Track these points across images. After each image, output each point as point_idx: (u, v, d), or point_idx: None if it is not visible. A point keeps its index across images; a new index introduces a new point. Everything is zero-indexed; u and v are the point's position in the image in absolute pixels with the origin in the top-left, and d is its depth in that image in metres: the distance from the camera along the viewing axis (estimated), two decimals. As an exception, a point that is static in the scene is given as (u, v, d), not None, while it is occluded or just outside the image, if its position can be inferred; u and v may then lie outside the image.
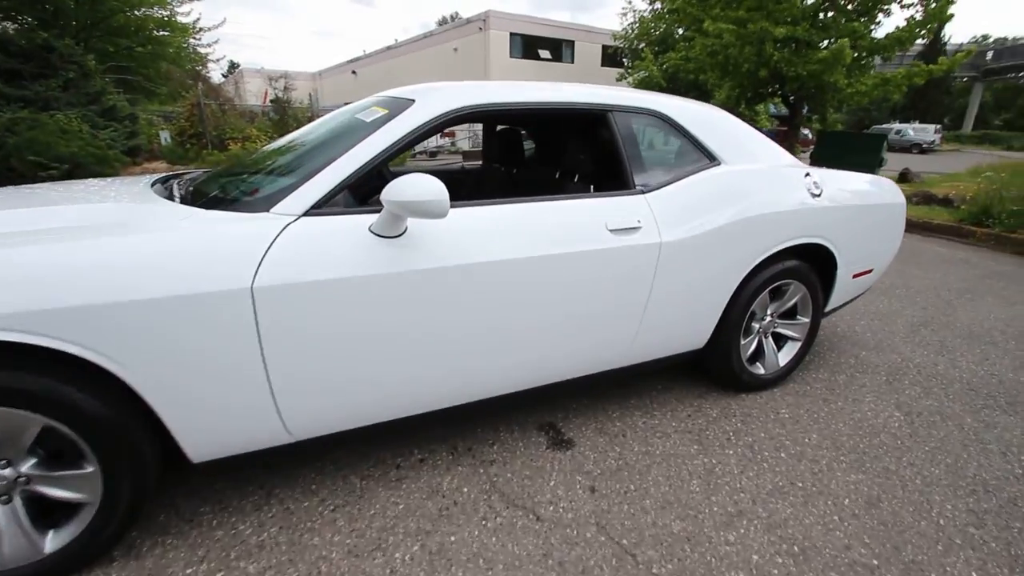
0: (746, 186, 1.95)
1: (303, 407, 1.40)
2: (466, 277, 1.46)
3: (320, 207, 1.35)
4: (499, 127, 2.76)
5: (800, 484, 1.72)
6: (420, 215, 1.27)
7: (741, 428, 2.04)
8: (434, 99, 1.56)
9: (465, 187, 2.76)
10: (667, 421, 2.08)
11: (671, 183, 1.84)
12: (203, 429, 1.32)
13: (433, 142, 19.92)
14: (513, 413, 2.10)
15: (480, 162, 3.09)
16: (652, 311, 1.84)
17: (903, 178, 10.26)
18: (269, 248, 1.26)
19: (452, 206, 1.42)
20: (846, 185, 2.27)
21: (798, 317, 2.35)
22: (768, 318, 2.27)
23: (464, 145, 19.67)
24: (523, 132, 2.72)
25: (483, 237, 1.50)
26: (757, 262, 1.99)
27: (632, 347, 1.90)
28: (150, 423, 1.27)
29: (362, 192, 1.82)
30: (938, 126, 29.04)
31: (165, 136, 13.36)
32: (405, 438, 1.92)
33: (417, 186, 1.25)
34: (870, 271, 2.50)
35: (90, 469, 1.24)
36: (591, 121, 1.88)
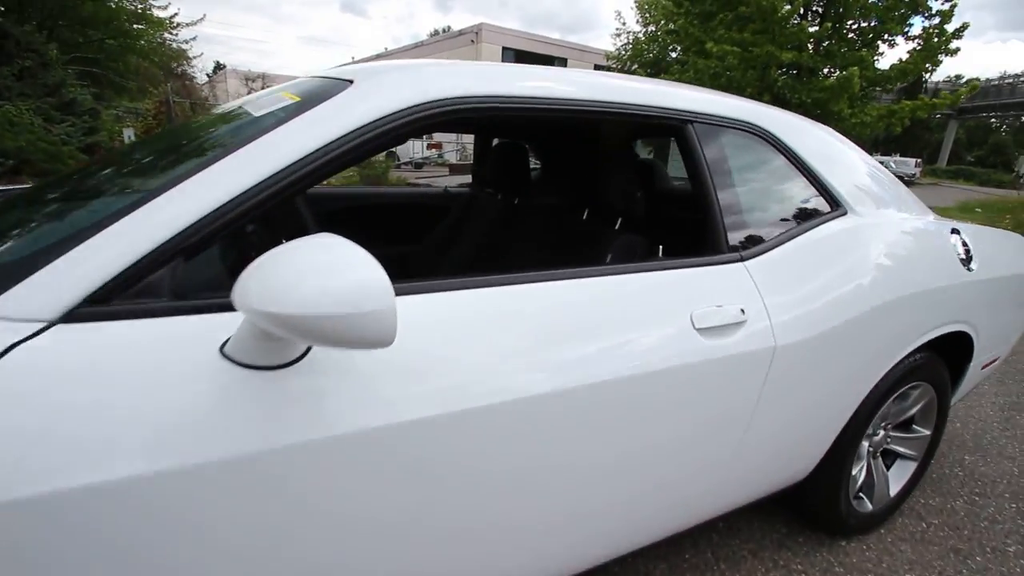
0: (888, 249, 1.26)
1: None
2: (437, 443, 0.71)
3: (106, 300, 0.60)
4: (496, 139, 2.05)
5: None
6: (330, 343, 0.53)
7: (862, 618, 1.32)
8: (389, 82, 0.82)
9: (445, 226, 2.02)
10: (748, 603, 1.35)
11: (782, 243, 1.13)
12: None
13: (420, 152, 18.91)
14: None
15: (468, 184, 2.37)
16: (747, 449, 1.12)
17: (904, 212, 9.92)
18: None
19: (412, 290, 0.70)
20: (990, 247, 1.60)
21: (915, 428, 1.66)
22: (881, 432, 1.57)
23: (452, 157, 18.83)
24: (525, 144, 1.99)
25: (470, 354, 0.76)
26: (895, 362, 1.30)
27: (709, 505, 1.18)
28: None
29: (250, 246, 1.02)
30: (918, 160, 29.55)
31: (129, 134, 12.45)
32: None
33: (319, 275, 0.51)
34: (997, 359, 1.84)
35: None
36: (657, 135, 1.17)
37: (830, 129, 1.44)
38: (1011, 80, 33.90)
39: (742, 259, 1.07)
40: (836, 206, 1.25)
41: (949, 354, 1.58)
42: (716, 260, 1.04)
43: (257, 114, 0.82)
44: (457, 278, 0.78)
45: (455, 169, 15.43)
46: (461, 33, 24.08)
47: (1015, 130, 46.99)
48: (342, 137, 0.73)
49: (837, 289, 1.13)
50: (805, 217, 1.20)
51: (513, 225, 1.78)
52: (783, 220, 1.18)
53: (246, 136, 0.72)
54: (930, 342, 1.43)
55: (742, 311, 1.00)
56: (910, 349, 1.31)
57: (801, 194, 1.23)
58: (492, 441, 0.77)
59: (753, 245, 1.10)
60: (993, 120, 45.26)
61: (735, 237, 1.09)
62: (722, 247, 1.06)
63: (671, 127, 1.09)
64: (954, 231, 1.46)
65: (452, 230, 1.99)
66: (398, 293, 0.70)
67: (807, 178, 1.23)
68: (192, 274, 0.66)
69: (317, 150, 0.71)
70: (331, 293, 0.50)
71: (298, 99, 0.82)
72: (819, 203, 1.24)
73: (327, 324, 0.51)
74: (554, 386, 0.80)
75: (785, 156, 1.21)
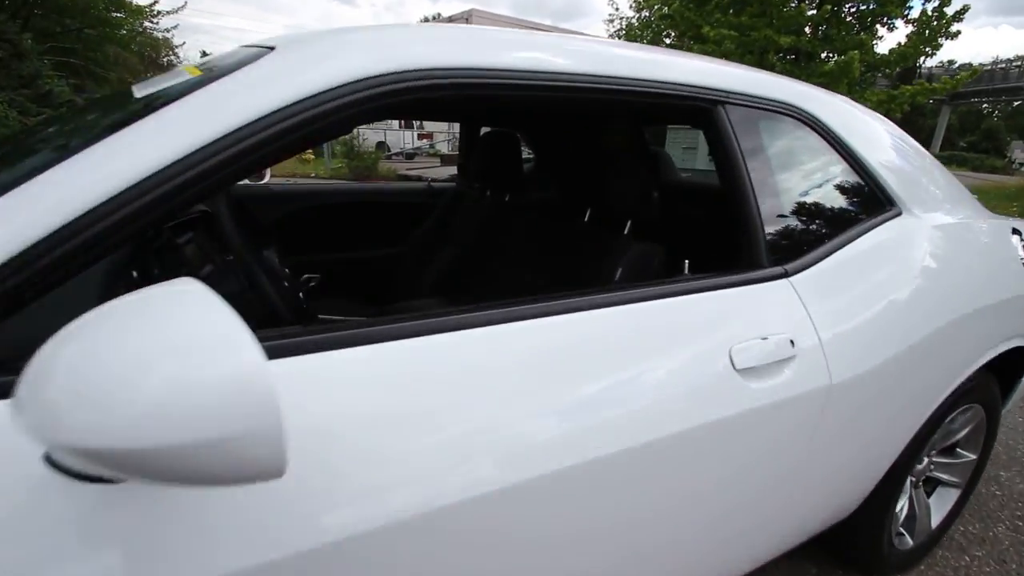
0: (951, 258, 1.06)
1: None
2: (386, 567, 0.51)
3: None
4: (484, 127, 1.82)
5: None
6: (181, 483, 0.32)
7: None
8: (322, 49, 0.59)
9: (428, 227, 1.80)
10: (782, 670, 1.16)
11: (831, 252, 0.92)
12: None
13: (411, 142, 18.39)
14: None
15: (455, 179, 2.15)
16: (792, 499, 0.92)
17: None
18: None
19: (346, 340, 0.49)
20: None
21: (959, 452, 1.47)
22: (925, 460, 1.38)
23: (444, 148, 18.42)
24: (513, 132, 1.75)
25: (434, 433, 0.55)
26: (956, 385, 1.10)
27: (745, 562, 0.98)
28: None
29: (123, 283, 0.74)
30: (913, 146, 29.47)
31: (108, 126, 12.06)
32: None
33: (157, 372, 0.30)
34: (1044, 369, 1.65)
35: None
36: (677, 120, 0.95)
37: (877, 114, 1.22)
38: (1003, 65, 33.80)
39: (786, 274, 0.86)
40: (890, 205, 1.04)
41: (999, 369, 1.39)
42: (756, 277, 0.83)
43: (139, 95, 0.60)
44: (418, 320, 0.57)
45: (447, 160, 15.10)
46: (451, 19, 23.61)
47: (1007, 115, 47.05)
48: (250, 122, 0.51)
49: (899, 307, 0.93)
50: (856, 219, 1.00)
51: (503, 227, 1.56)
52: (831, 223, 0.97)
53: (105, 130, 0.50)
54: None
55: (791, 343, 0.79)
56: (973, 369, 1.12)
57: (850, 191, 1.02)
58: (469, 549, 0.56)
59: (797, 256, 0.89)
60: (985, 106, 45.23)
61: (776, 246, 0.88)
62: (761, 259, 0.85)
63: (697, 109, 0.87)
64: (1015, 231, 1.26)
65: (435, 232, 1.77)
66: (327, 346, 0.49)
67: (857, 171, 1.02)
68: (19, 336, 0.44)
69: (205, 146, 0.48)
70: (178, 407, 0.29)
71: (199, 74, 0.60)
72: (871, 202, 1.03)
73: (174, 460, 0.29)
74: (554, 465, 0.59)
75: (832, 145, 1.00)
